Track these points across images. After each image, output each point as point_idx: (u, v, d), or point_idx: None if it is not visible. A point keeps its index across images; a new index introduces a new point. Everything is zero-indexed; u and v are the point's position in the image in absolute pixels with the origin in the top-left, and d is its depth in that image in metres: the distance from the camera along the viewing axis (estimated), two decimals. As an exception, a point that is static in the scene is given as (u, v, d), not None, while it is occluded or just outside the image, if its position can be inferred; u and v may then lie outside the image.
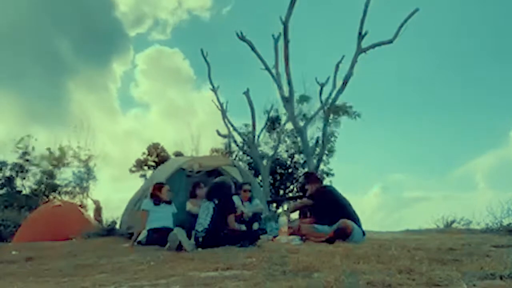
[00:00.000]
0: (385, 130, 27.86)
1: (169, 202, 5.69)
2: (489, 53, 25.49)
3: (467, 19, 26.69)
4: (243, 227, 5.65)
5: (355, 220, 4.55)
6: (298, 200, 4.79)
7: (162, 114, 35.01)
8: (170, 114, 34.46)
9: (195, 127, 34.78)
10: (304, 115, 16.89)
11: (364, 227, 4.70)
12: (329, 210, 4.65)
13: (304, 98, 17.29)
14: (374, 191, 26.13)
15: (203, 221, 4.31)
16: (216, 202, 4.41)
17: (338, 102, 15.20)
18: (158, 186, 5.77)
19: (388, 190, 26.56)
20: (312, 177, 5.26)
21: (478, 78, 25.24)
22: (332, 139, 18.10)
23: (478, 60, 26.34)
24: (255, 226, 5.99)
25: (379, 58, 26.84)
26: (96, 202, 13.12)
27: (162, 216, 5.45)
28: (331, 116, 15.79)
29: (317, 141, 16.20)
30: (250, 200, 6.48)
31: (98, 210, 12.21)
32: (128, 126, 34.02)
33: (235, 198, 6.03)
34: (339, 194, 4.89)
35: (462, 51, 26.02)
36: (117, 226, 7.96)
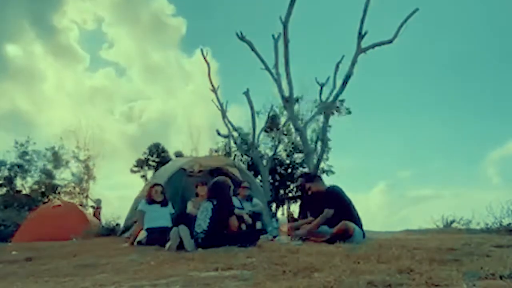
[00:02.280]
0: (392, 127, 27.88)
1: (164, 203, 5.66)
2: (492, 51, 25.55)
3: (467, 19, 26.73)
4: (243, 227, 5.63)
5: (357, 221, 4.53)
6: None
7: (142, 76, 27.88)
8: (151, 76, 27.44)
9: (184, 96, 29.64)
10: (302, 118, 16.91)
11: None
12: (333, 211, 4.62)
13: (295, 99, 17.32)
14: (379, 188, 25.80)
15: (202, 223, 4.24)
16: (215, 203, 4.33)
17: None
18: (150, 186, 5.87)
19: (394, 187, 26.22)
20: (313, 177, 5.24)
21: (485, 76, 25.24)
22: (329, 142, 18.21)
23: (482, 57, 26.39)
24: (259, 225, 5.96)
25: (386, 55, 26.82)
26: (96, 202, 13.14)
27: (158, 216, 5.45)
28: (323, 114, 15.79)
29: (316, 140, 16.22)
30: (249, 199, 6.45)
31: (98, 210, 12.22)
32: (97, 84, 26.84)
33: (234, 200, 5.98)
34: (345, 194, 4.84)
35: (464, 49, 26.07)
36: (117, 226, 8.00)
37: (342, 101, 17.70)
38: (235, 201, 6.02)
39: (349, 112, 18.20)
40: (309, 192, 5.03)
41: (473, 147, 27.36)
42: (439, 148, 27.65)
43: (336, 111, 17.60)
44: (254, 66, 14.90)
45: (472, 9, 26.55)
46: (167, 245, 4.21)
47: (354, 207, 4.71)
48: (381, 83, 27.41)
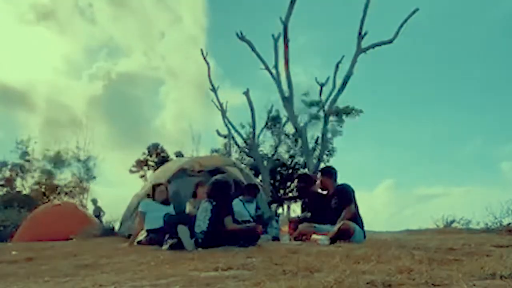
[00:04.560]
0: (397, 125, 27.82)
1: (166, 203, 5.66)
2: (492, 49, 25.55)
3: (467, 18, 26.75)
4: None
5: (358, 221, 4.52)
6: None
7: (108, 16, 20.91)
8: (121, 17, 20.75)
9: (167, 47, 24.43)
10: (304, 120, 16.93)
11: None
12: (336, 210, 4.59)
13: (313, 103, 17.31)
14: (384, 186, 25.52)
15: (202, 224, 4.21)
16: (214, 203, 4.27)
17: (340, 103, 15.28)
18: (153, 186, 5.85)
19: (400, 185, 25.94)
20: (328, 173, 5.02)
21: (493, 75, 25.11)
22: (332, 143, 18.21)
23: (484, 55, 26.36)
24: None
25: (393, 53, 26.69)
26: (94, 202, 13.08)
27: (159, 216, 5.39)
28: (331, 118, 15.83)
29: (316, 141, 16.23)
30: (253, 201, 6.28)
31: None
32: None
33: (235, 202, 5.85)
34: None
35: (465, 48, 26.05)
36: (117, 226, 8.00)
37: (352, 108, 17.76)
38: (238, 202, 5.95)
39: (361, 111, 18.22)
40: (319, 187, 4.90)
41: (480, 144, 27.31)
42: (444, 147, 27.63)
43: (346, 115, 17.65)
44: (254, 66, 14.88)
45: (472, 8, 26.57)
46: (166, 244, 4.22)
47: (357, 207, 4.69)
48: (385, 81, 27.41)
